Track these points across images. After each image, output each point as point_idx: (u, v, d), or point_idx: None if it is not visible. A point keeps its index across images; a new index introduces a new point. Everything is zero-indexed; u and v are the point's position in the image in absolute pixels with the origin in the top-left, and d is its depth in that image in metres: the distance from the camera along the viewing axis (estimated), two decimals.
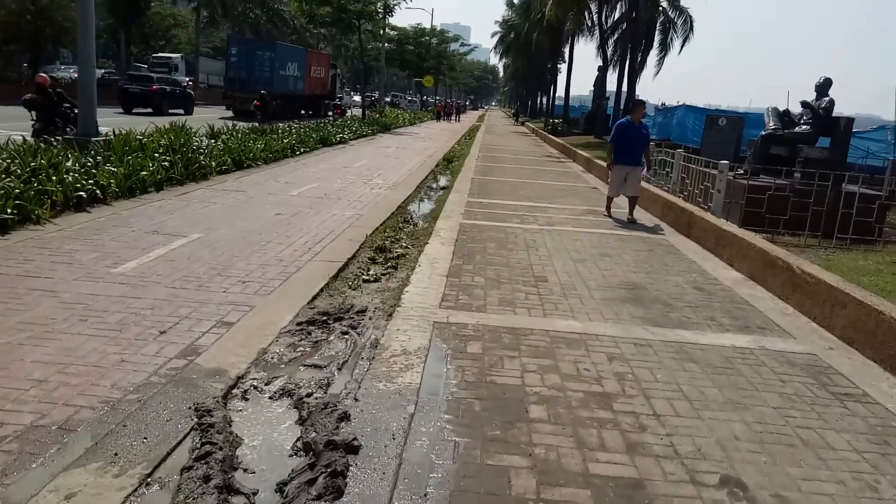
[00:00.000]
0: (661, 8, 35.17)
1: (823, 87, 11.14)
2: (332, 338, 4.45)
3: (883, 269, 6.84)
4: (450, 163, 17.99)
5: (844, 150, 11.08)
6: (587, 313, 5.32)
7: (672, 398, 3.81)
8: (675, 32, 35.92)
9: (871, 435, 3.55)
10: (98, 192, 8.27)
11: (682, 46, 34.76)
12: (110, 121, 17.15)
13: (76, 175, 8.26)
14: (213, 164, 11.71)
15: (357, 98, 55.93)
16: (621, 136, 10.13)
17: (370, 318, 4.87)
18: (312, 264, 6.27)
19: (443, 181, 14.46)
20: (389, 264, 6.58)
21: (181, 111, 28.00)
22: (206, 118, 22.31)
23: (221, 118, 24.93)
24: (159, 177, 9.70)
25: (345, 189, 11.48)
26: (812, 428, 3.57)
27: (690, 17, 34.77)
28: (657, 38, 35.85)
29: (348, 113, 37.92)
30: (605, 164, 15.70)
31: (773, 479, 3.04)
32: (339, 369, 3.92)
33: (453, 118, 52.29)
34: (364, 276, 6.09)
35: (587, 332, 4.85)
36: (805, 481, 3.04)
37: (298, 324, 4.64)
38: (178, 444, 3.01)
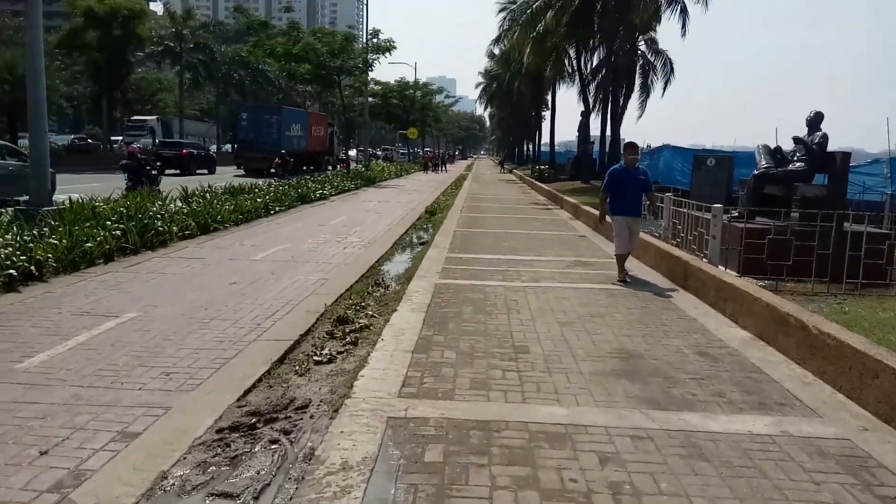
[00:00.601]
0: (639, 52, 35.34)
1: (815, 121, 10.58)
2: (257, 449, 3.60)
3: None
4: (432, 215, 17.34)
5: (843, 187, 10.45)
6: (574, 395, 4.49)
7: None
8: (656, 75, 36.03)
9: None
10: (32, 268, 7.47)
11: (664, 89, 34.79)
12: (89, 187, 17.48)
13: (9, 251, 7.47)
14: (174, 229, 10.97)
15: (353, 153, 57.42)
16: (616, 185, 8.82)
17: (311, 417, 4.03)
18: (257, 346, 5.44)
19: (423, 236, 13.75)
20: (349, 339, 5.76)
21: (206, 171, 32.30)
22: (225, 177, 25.20)
23: (236, 176, 27.58)
24: (108, 247, 8.92)
25: (315, 250, 10.73)
26: None
27: (670, 59, 34.90)
28: (638, 80, 35.90)
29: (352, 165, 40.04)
30: (595, 211, 15.08)
31: None
32: (256, 498, 3.06)
33: (440, 169, 52.05)
34: (316, 357, 5.27)
35: (574, 421, 4.02)
36: None
37: (219, 431, 3.79)
38: None
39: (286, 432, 3.76)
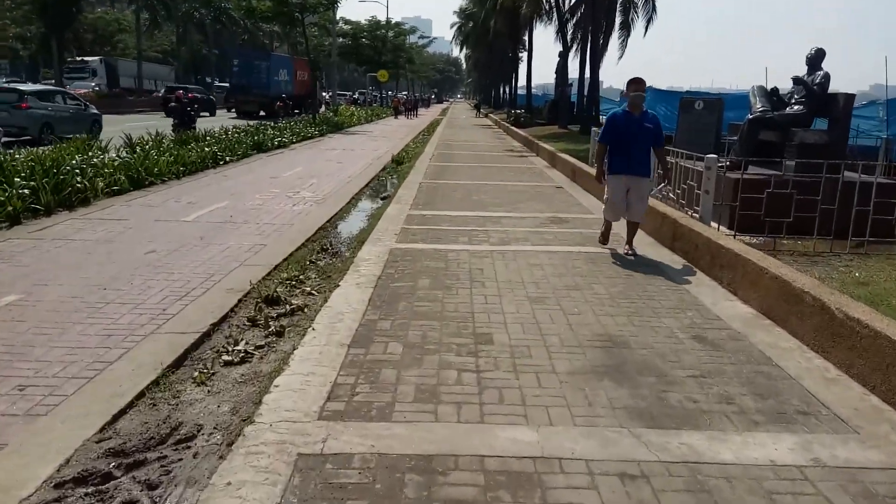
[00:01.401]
0: None
1: (816, 59, 9.52)
2: None
3: None
4: (399, 165, 16.11)
5: (845, 133, 9.49)
6: (546, 407, 3.52)
7: None
8: (637, 14, 34.37)
9: None
10: None
11: (646, 28, 33.15)
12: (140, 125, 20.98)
13: None
14: (101, 184, 9.69)
15: (325, 94, 57.31)
16: (616, 135, 6.90)
17: (195, 456, 3.01)
18: (152, 341, 4.36)
19: (385, 189, 12.59)
20: (274, 327, 4.71)
21: (207, 114, 33.04)
22: (223, 120, 27.01)
23: (231, 119, 29.93)
24: (10, 208, 7.67)
25: (259, 207, 9.55)
26: None
27: None
28: (618, 19, 34.15)
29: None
30: (576, 161, 13.90)
31: None
32: None
33: (412, 114, 50.04)
34: (226, 356, 4.22)
35: (546, 452, 3.05)
36: None
37: (58, 486, 2.75)
38: None
39: (151, 486, 2.74)
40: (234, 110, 37.05)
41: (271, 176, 13.07)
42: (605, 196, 7.29)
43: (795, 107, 9.53)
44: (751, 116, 9.61)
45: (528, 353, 4.27)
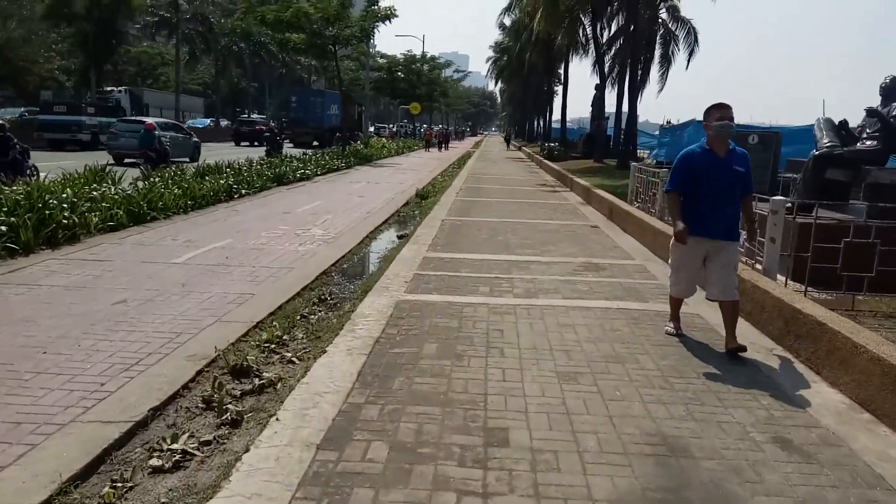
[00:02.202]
0: (660, 20, 32.71)
1: (891, 89, 8.36)
2: None
3: None
4: (423, 199, 15.20)
5: None
6: None
7: None
8: (677, 46, 33.39)
9: None
10: None
11: (688, 60, 32.15)
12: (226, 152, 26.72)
13: None
14: (94, 220, 8.95)
15: (371, 129, 60.24)
16: (693, 181, 4.97)
17: None
18: (63, 436, 3.38)
19: (405, 226, 11.66)
20: (231, 414, 3.72)
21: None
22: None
23: (288, 148, 31.95)
24: None
25: (261, 247, 8.67)
26: None
27: (694, 28, 32.23)
28: (658, 51, 33.35)
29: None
30: (613, 199, 12.68)
31: None
32: None
33: (443, 146, 49.41)
34: (157, 457, 3.23)
35: None
36: None
37: None
38: None
39: None
40: (290, 141, 39.58)
41: (284, 211, 12.25)
42: (672, 262, 5.30)
43: (868, 142, 8.35)
44: (817, 152, 8.44)
45: (554, 464, 3.18)
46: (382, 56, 60.46)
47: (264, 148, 26.16)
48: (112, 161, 20.42)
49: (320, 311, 6.01)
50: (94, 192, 10.14)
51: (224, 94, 71.60)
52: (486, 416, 3.69)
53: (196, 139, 25.58)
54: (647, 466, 3.20)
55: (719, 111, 4.91)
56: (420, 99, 58.40)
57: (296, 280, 6.91)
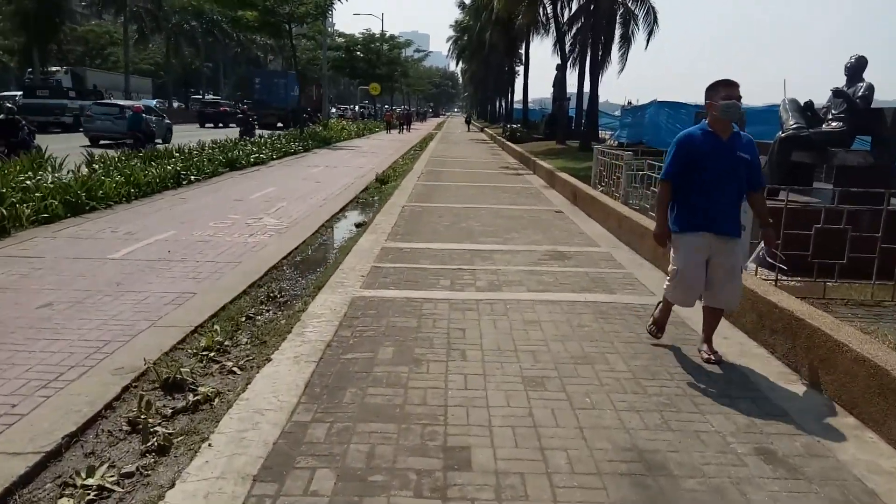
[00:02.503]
0: (620, 0, 32.48)
1: (857, 68, 8.22)
2: None
3: None
4: (383, 184, 14.73)
5: (893, 152, 8.15)
6: None
7: None
8: (637, 25, 33.25)
9: None
10: None
11: (647, 40, 31.99)
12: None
13: None
14: (27, 212, 8.29)
15: (333, 109, 61.25)
16: (691, 166, 4.36)
17: None
18: None
19: (363, 214, 11.21)
20: (158, 438, 3.29)
21: (234, 125, 34.22)
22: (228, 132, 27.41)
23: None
24: None
25: (208, 239, 8.14)
26: None
27: (653, 8, 32.07)
28: (618, 31, 33.05)
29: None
30: (577, 182, 12.39)
31: None
32: None
33: (403, 128, 48.54)
34: (69, 496, 2.80)
35: None
36: None
37: None
38: None
39: None
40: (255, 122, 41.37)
41: (236, 198, 11.66)
42: (673, 267, 4.50)
43: (833, 123, 8.21)
44: (782, 134, 8.28)
45: (521, 490, 2.86)
46: (341, 35, 59.12)
47: (238, 130, 26.01)
48: (88, 143, 21.27)
49: (268, 311, 5.57)
50: (28, 182, 9.43)
51: (177, 75, 69.22)
52: (445, 433, 3.34)
53: (168, 121, 26.33)
54: (622, 488, 2.90)
55: (726, 88, 4.29)
56: (380, 79, 57.35)
57: (243, 276, 6.44)
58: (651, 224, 6.90)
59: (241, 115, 27.95)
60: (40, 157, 12.09)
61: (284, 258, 7.43)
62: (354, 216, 10.94)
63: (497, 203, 11.98)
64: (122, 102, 26.22)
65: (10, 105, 16.57)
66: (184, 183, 12.85)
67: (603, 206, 9.82)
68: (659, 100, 20.20)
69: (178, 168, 13.01)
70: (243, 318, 5.29)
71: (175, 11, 56.67)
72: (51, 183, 9.56)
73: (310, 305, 5.46)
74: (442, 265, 6.99)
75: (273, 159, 19.33)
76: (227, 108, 42.45)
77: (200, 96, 61.02)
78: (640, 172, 9.42)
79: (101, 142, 21.76)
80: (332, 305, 5.46)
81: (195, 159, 14.57)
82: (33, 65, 41.37)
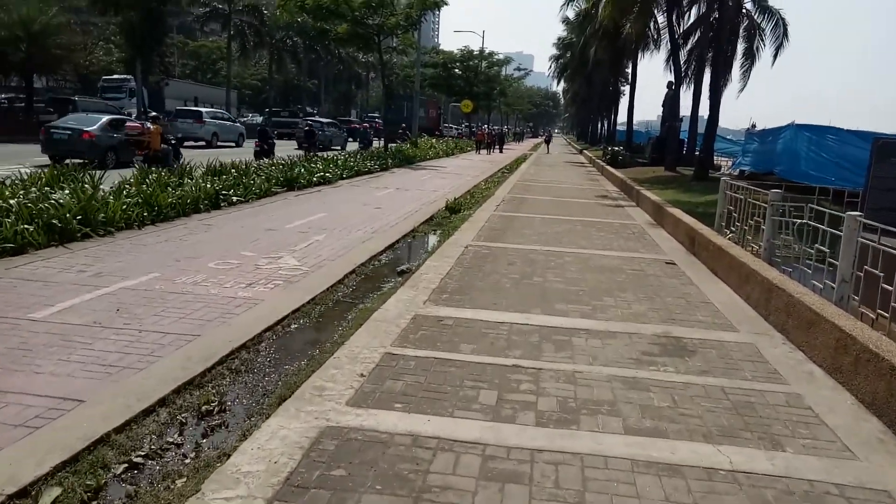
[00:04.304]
0: (744, 10, 28.86)
1: None
2: None
3: None
4: (453, 213, 12.43)
5: None
6: None
7: None
8: (763, 40, 29.44)
9: None
10: None
11: (774, 56, 28.14)
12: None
13: None
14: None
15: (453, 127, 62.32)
16: None
17: None
18: None
19: (413, 255, 8.92)
20: None
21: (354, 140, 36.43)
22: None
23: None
24: None
25: (189, 290, 6.06)
26: None
27: (783, 20, 28.21)
28: (741, 46, 29.46)
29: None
30: (695, 224, 9.23)
31: None
32: None
33: (493, 149, 45.67)
34: None
35: None
36: None
37: None
38: None
39: None
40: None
41: (269, 227, 9.68)
42: None
43: None
44: None
45: None
46: (437, 51, 57.78)
47: (301, 145, 25.43)
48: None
49: (171, 450, 3.34)
50: (13, 200, 7.86)
51: (279, 89, 70.64)
52: None
53: (241, 127, 30.06)
54: None
55: None
56: (477, 97, 55.38)
57: (182, 367, 4.26)
58: (823, 305, 4.16)
59: (306, 129, 25.98)
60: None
61: (266, 329, 5.21)
62: (400, 258, 8.67)
63: (588, 246, 9.36)
64: (201, 109, 30.50)
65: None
66: (222, 205, 11.09)
67: (738, 264, 7.02)
68: (797, 122, 16.72)
69: (217, 187, 11.25)
70: (117, 469, 3.08)
71: (279, 27, 57.40)
72: (43, 202, 7.90)
73: (237, 450, 3.18)
74: (491, 357, 4.55)
75: (342, 178, 17.53)
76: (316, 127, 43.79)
77: (306, 112, 61.31)
78: (798, 221, 6.53)
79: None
80: (279, 449, 3.16)
81: (244, 179, 12.82)
82: (136, 75, 42.47)
